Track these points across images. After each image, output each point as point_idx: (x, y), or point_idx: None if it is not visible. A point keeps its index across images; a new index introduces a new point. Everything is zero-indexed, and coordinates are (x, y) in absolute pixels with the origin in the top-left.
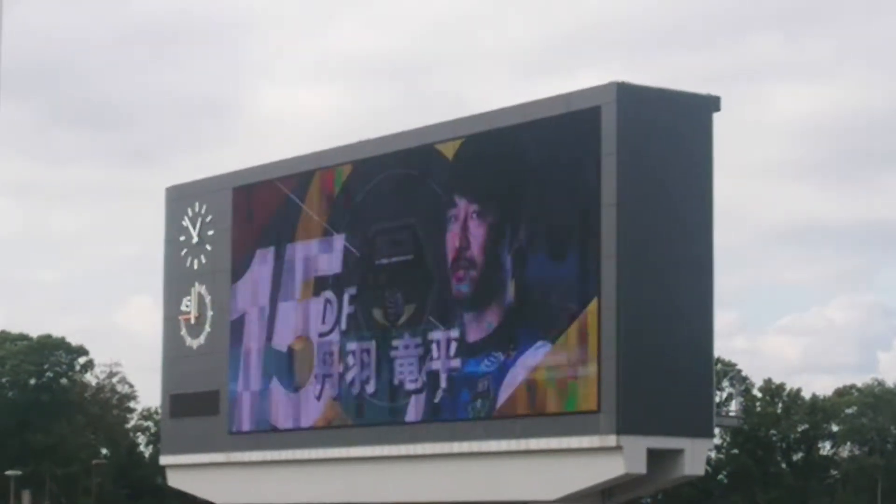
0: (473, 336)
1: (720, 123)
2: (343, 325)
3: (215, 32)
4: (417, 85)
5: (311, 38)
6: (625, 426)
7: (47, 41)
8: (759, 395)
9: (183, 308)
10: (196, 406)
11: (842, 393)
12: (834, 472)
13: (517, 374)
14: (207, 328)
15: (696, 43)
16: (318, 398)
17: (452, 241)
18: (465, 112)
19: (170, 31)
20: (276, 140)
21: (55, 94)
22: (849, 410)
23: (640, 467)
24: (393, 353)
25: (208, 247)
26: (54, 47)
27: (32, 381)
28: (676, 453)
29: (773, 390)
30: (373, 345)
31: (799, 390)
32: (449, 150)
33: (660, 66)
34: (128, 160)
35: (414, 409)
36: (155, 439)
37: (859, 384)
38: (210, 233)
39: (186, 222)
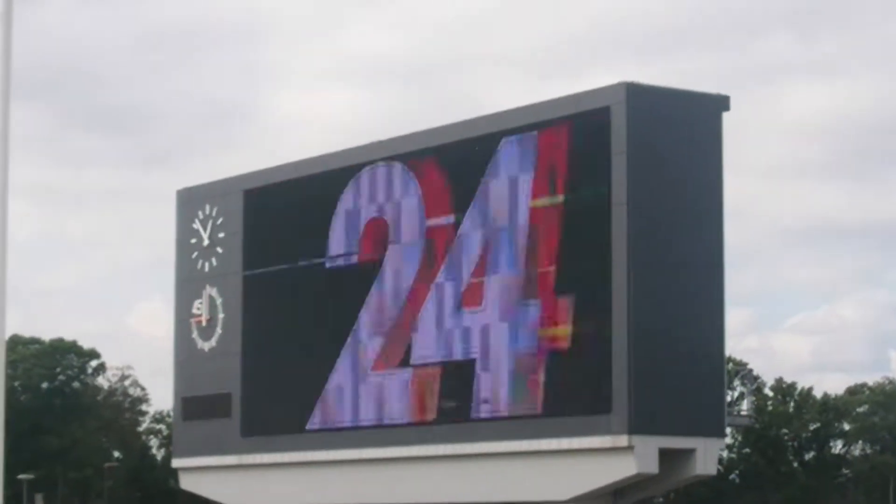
0: (486, 336)
1: (732, 122)
2: (360, 327)
3: (230, 36)
4: (431, 86)
5: (326, 40)
6: (636, 426)
7: (63, 45)
8: (771, 394)
9: (194, 311)
10: (208, 408)
11: (853, 391)
12: (846, 471)
13: (528, 375)
14: (219, 330)
15: (707, 42)
16: (332, 400)
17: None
18: (480, 112)
19: (185, 35)
20: (293, 143)
21: (71, 98)
22: (860, 409)
23: (652, 467)
24: (409, 355)
25: (219, 249)
26: (70, 51)
27: (45, 385)
28: (688, 453)
29: (784, 389)
30: (390, 346)
31: (810, 389)
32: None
33: (672, 66)
34: (144, 164)
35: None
36: (167, 442)
37: (871, 383)
38: (221, 235)
39: (197, 225)
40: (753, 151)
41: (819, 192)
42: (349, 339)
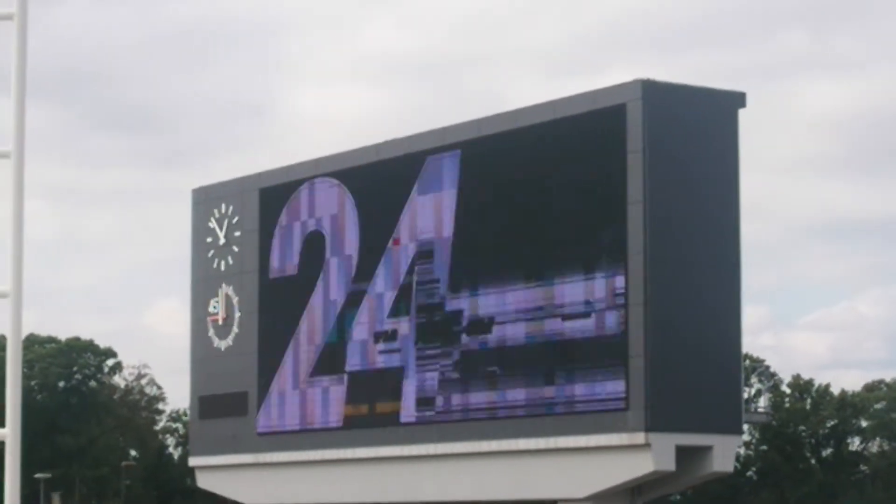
0: (501, 333)
1: (750, 119)
2: (376, 326)
3: (246, 35)
4: (447, 84)
5: (342, 39)
6: (653, 423)
7: (81, 45)
8: (788, 390)
9: (211, 309)
10: (224, 407)
11: (871, 388)
12: (863, 468)
13: (546, 372)
14: (235, 329)
15: (723, 39)
16: (348, 398)
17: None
18: (497, 110)
19: (200, 35)
20: (311, 141)
21: (89, 98)
22: (878, 405)
23: (669, 464)
24: (425, 352)
25: (235, 248)
26: (88, 51)
27: (61, 384)
28: (705, 450)
29: (801, 386)
30: (404, 345)
31: (828, 386)
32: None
33: (688, 63)
34: (162, 163)
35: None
36: (184, 441)
37: (888, 379)
38: (237, 234)
39: (213, 224)
40: (770, 148)
41: (836, 188)
42: (356, 337)
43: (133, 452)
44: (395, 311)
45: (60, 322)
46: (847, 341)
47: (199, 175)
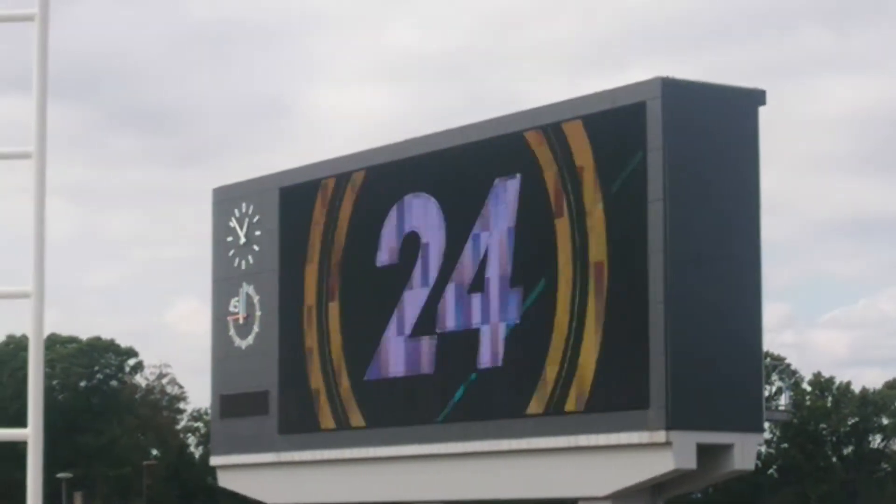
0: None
1: (771, 117)
2: (398, 324)
3: (266, 34)
4: (469, 83)
5: (363, 38)
6: (674, 422)
7: (101, 44)
8: (809, 388)
9: (231, 308)
10: (246, 406)
11: (892, 385)
12: (885, 466)
13: (566, 370)
14: (256, 328)
15: (744, 37)
16: (369, 396)
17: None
18: (518, 109)
19: (221, 34)
20: (332, 141)
21: (109, 98)
22: None
23: (690, 462)
24: (444, 350)
25: (256, 247)
26: (108, 51)
27: (82, 384)
28: (726, 448)
29: (822, 384)
30: (426, 342)
31: (849, 383)
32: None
33: (709, 61)
34: (182, 163)
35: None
36: (205, 440)
37: None
38: (257, 233)
39: (233, 223)
40: (790, 145)
41: (856, 185)
42: (385, 335)
43: (154, 452)
44: (418, 312)
45: (82, 322)
46: (868, 339)
47: (219, 174)
